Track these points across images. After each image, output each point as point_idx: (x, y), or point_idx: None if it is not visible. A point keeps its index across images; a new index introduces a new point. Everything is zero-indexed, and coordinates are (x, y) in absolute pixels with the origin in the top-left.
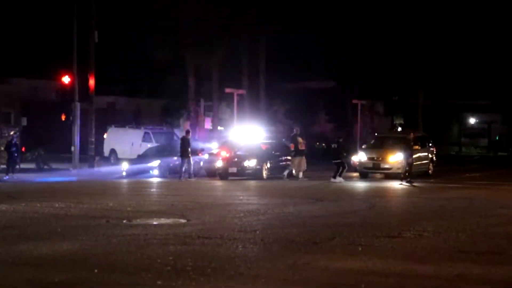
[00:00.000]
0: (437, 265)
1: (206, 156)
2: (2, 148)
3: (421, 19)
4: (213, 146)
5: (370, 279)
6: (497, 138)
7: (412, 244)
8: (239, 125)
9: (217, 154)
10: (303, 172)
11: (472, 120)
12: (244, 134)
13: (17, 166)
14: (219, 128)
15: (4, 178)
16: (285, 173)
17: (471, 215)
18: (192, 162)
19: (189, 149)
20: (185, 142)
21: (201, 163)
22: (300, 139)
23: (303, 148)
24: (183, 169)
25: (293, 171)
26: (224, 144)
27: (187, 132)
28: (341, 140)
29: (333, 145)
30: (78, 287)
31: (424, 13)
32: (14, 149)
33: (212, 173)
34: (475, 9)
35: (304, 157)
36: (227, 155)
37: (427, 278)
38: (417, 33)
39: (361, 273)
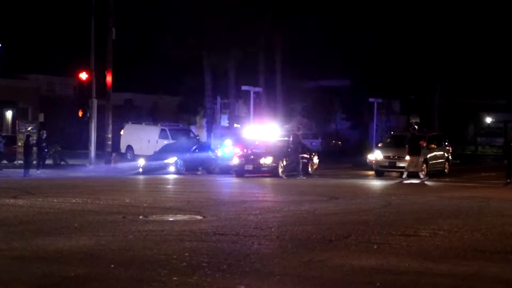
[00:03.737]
0: (452, 263)
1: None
2: (20, 144)
3: (437, 18)
4: (227, 143)
5: (385, 277)
6: None
7: (427, 242)
8: (254, 122)
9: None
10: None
11: (488, 120)
12: (259, 132)
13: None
14: (235, 125)
15: (37, 172)
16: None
17: (487, 214)
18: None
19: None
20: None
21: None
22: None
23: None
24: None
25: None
26: (238, 142)
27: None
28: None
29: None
30: (94, 282)
31: (440, 13)
32: (44, 144)
33: (226, 170)
34: (491, 9)
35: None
36: (241, 152)
37: (442, 276)
38: (433, 32)
39: (376, 271)
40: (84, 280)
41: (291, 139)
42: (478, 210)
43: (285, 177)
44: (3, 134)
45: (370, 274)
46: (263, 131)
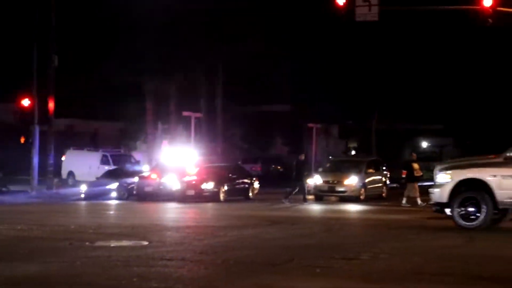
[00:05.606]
0: (392, 286)
1: (136, 179)
2: None
3: (374, 47)
4: (144, 168)
5: None
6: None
7: (369, 265)
8: (170, 147)
9: (147, 177)
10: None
11: (424, 144)
12: (175, 157)
13: None
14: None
15: None
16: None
17: (426, 237)
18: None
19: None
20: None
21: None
22: (416, 165)
23: (419, 174)
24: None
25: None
26: (156, 167)
27: (302, 155)
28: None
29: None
30: None
31: (377, 42)
32: None
33: (143, 196)
34: (425, 39)
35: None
36: (156, 178)
37: None
38: (370, 60)
39: None
40: None
41: (294, 164)
42: (417, 233)
43: (288, 203)
44: None
45: None
46: (180, 155)
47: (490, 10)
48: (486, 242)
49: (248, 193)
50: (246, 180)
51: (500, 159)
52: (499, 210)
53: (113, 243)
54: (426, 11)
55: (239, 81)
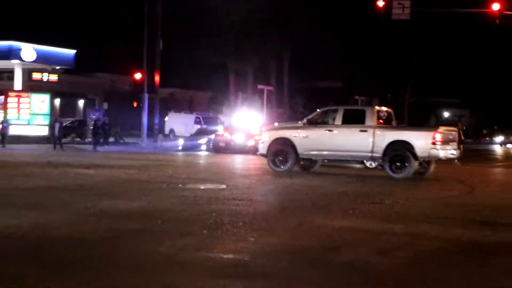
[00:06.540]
0: (407, 225)
1: (212, 136)
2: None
3: (408, 37)
4: (219, 128)
5: (355, 234)
6: (464, 127)
7: (389, 209)
8: (241, 112)
9: (221, 135)
10: None
11: (446, 114)
12: (244, 120)
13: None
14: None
15: (103, 147)
16: None
17: (437, 188)
18: None
19: None
20: None
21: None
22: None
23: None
24: None
25: None
26: (228, 127)
27: None
28: None
29: None
30: (147, 234)
31: (410, 33)
32: (107, 127)
33: (217, 150)
34: (446, 30)
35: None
36: (228, 135)
37: (397, 234)
38: (404, 47)
39: (349, 230)
40: (139, 233)
41: None
42: (429, 184)
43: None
44: (60, 118)
45: (345, 232)
46: (248, 120)
47: (498, 13)
48: (483, 194)
49: None
50: None
51: (301, 124)
52: (303, 160)
53: (199, 186)
54: (447, 12)
55: (302, 63)
